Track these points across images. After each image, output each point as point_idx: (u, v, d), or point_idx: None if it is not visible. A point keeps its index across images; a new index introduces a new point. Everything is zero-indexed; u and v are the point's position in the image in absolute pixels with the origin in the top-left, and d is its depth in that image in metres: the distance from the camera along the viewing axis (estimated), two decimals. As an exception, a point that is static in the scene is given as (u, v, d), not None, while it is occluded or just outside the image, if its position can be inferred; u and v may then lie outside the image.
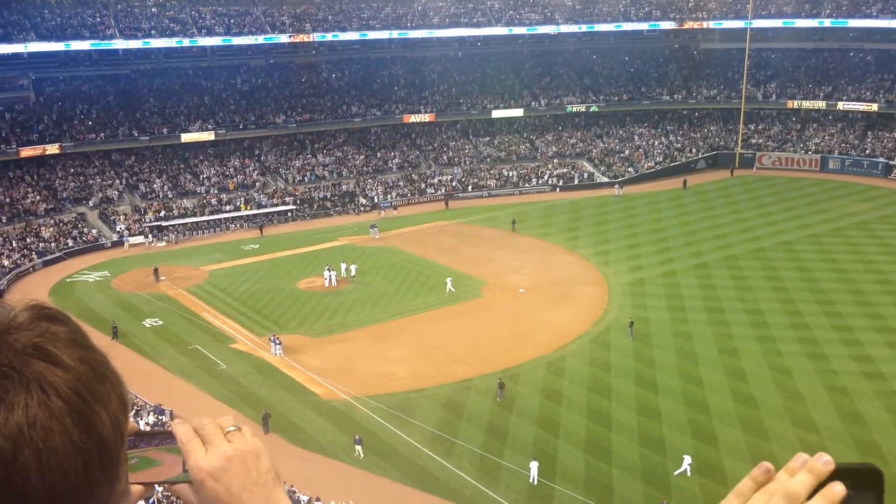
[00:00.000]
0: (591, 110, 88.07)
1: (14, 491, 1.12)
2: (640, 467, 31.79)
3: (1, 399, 1.16)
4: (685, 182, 77.47)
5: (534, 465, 30.98)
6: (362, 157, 79.76)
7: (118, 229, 64.15)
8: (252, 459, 1.48)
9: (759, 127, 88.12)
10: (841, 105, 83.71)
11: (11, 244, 58.39)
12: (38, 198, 65.16)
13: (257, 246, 62.51)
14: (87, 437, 1.19)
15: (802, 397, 36.67)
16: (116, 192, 68.78)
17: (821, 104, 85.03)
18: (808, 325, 44.70)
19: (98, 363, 1.28)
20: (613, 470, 31.64)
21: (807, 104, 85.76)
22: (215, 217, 67.96)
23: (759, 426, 34.35)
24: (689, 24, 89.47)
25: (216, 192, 70.85)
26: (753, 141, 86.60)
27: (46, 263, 58.06)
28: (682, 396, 37.13)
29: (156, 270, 54.87)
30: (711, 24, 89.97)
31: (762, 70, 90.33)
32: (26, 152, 66.13)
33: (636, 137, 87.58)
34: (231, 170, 74.22)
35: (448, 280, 51.63)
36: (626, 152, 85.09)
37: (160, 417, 33.85)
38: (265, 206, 70.19)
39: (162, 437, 1.50)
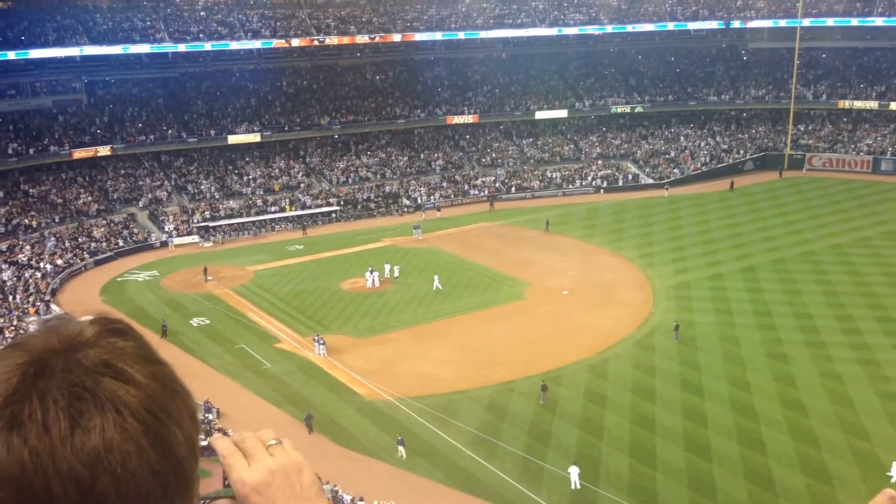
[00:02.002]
0: (635, 111, 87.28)
1: None
2: (686, 472, 31.39)
3: (76, 421, 1.11)
4: (732, 183, 76.35)
5: (573, 471, 30.64)
6: (406, 158, 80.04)
7: (167, 230, 65.24)
8: (295, 473, 1.46)
9: (809, 128, 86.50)
10: (893, 105, 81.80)
11: (64, 244, 59.70)
12: (90, 198, 66.55)
13: (301, 247, 63.08)
14: (163, 458, 1.15)
15: (853, 404, 35.88)
16: (165, 193, 69.97)
17: (873, 104, 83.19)
18: (859, 329, 43.73)
19: (168, 378, 1.25)
20: (658, 475, 31.29)
21: (858, 104, 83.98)
22: (260, 218, 68.75)
23: (808, 433, 33.69)
24: (738, 24, 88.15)
25: (261, 193, 71.67)
26: (803, 142, 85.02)
27: (98, 263, 59.26)
28: (728, 401, 36.58)
29: (205, 270, 55.69)
30: (760, 23, 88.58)
31: (812, 69, 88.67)
32: (79, 154, 67.59)
33: (682, 138, 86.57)
34: (276, 171, 75.02)
35: (435, 278, 52.09)
36: (672, 153, 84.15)
37: (207, 415, 34.32)
38: (309, 207, 70.81)
39: (203, 450, 1.50)
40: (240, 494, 1.40)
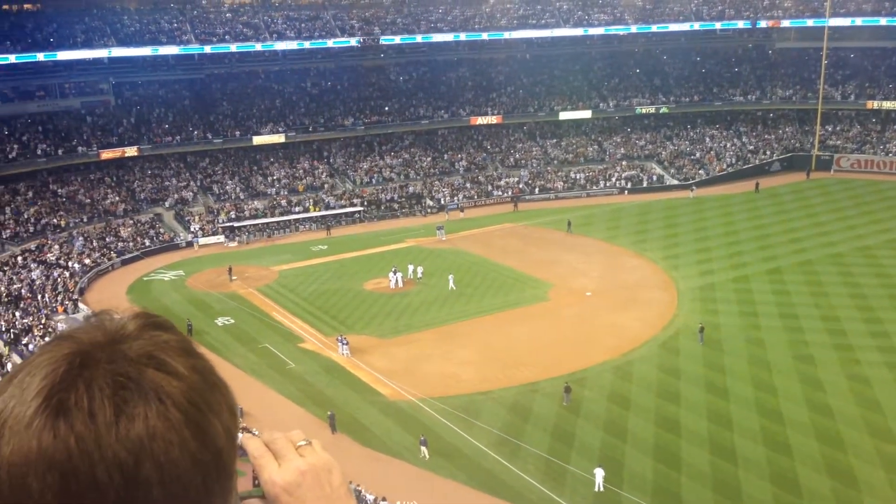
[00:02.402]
0: (660, 111, 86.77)
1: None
2: (711, 476, 31.15)
3: (121, 409, 1.15)
4: (757, 185, 75.67)
5: (599, 473, 30.53)
6: (429, 158, 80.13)
7: (192, 230, 65.80)
8: (325, 474, 1.47)
9: (837, 128, 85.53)
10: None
11: (92, 243, 60.39)
12: (117, 198, 67.27)
13: (325, 247, 63.34)
14: (203, 448, 1.18)
15: (882, 408, 35.45)
16: (191, 194, 70.56)
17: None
18: (887, 332, 43.18)
19: (208, 371, 1.28)
20: (683, 478, 31.08)
21: (887, 105, 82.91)
22: (285, 218, 69.13)
23: (835, 437, 33.33)
24: (764, 23, 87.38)
25: (286, 193, 72.07)
26: (831, 143, 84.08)
27: (124, 262, 59.88)
28: (754, 404, 36.26)
29: (230, 270, 56.10)
30: (787, 23, 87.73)
31: (840, 69, 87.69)
32: (106, 154, 68.36)
33: (707, 139, 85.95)
34: (300, 171, 75.41)
35: (450, 277, 52.49)
36: (697, 154, 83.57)
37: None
38: (333, 208, 71.10)
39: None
40: (270, 495, 1.42)
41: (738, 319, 46.08)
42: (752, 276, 53.05)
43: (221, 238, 65.52)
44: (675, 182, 79.09)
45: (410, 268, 54.55)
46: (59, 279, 53.12)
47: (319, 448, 1.53)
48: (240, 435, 1.42)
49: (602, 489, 30.27)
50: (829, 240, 60.08)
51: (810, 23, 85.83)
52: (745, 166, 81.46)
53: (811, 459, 31.78)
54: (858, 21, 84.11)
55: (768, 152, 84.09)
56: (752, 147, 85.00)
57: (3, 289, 49.50)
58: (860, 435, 33.34)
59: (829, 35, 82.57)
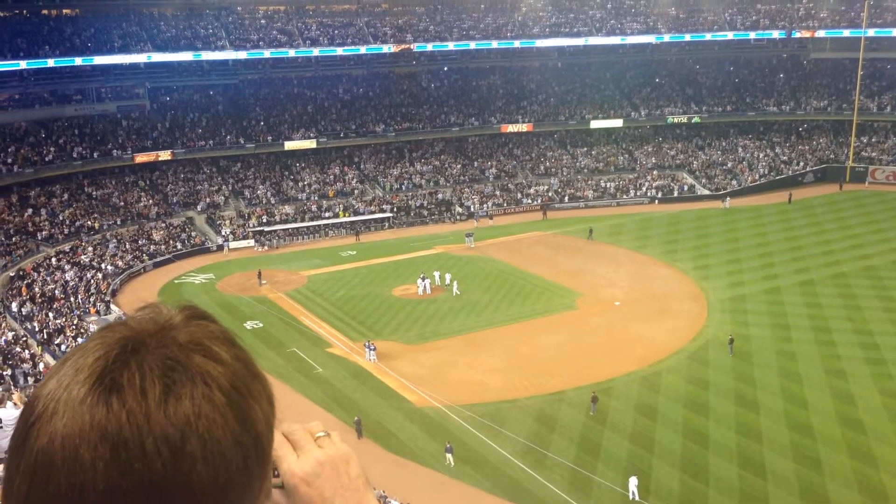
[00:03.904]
0: (692, 121, 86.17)
1: (181, 478, 1.18)
2: (739, 490, 30.81)
3: (170, 389, 1.22)
4: (790, 196, 74.84)
5: (633, 481, 30.36)
6: (459, 165, 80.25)
7: (223, 233, 66.43)
8: (343, 465, 1.51)
9: (873, 140, 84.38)
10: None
11: (125, 246, 61.19)
12: (150, 202, 68.13)
13: (354, 252, 63.62)
14: (244, 431, 1.25)
15: (915, 424, 34.84)
16: (223, 198, 71.27)
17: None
18: (922, 348, 42.45)
19: (249, 362, 1.34)
20: (711, 491, 30.77)
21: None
22: (315, 223, 69.55)
23: (867, 452, 32.81)
24: (800, 34, 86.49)
25: (316, 198, 72.53)
26: (865, 154, 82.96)
27: (157, 265, 60.58)
28: (784, 418, 35.82)
29: (259, 274, 56.54)
30: (823, 33, 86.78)
31: (876, 81, 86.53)
32: (141, 158, 69.29)
33: (740, 149, 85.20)
34: (331, 177, 75.87)
35: (454, 284, 52.76)
36: (729, 164, 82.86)
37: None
38: (363, 214, 71.41)
39: None
40: (289, 485, 1.46)
41: (769, 331, 45.56)
42: (783, 288, 52.45)
43: (251, 242, 66.07)
44: (707, 192, 78.46)
45: (437, 274, 54.58)
46: (92, 281, 53.86)
47: (338, 439, 1.56)
48: None
49: (636, 497, 30.03)
50: (862, 252, 59.25)
51: (846, 33, 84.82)
52: (778, 177, 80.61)
53: (842, 475, 31.32)
54: (895, 32, 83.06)
55: (801, 163, 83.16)
56: (785, 158, 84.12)
57: (37, 289, 50.32)
58: (892, 451, 32.80)
59: (865, 45, 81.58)
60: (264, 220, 68.74)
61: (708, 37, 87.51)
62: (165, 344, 1.27)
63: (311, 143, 76.13)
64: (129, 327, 1.30)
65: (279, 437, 1.49)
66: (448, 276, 54.37)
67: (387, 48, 79.41)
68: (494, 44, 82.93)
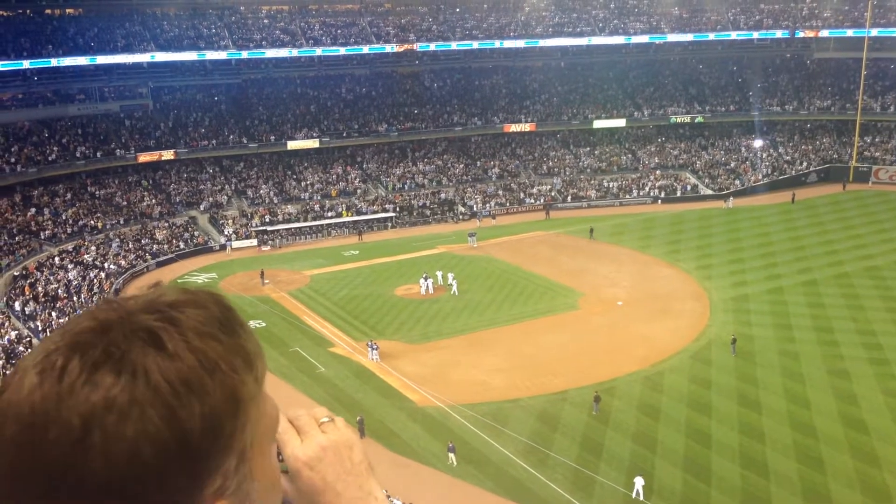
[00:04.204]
0: (696, 121, 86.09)
1: (75, 470, 1.13)
2: (741, 489, 30.79)
3: (90, 375, 1.17)
4: (793, 196, 74.77)
5: (638, 481, 30.38)
6: (462, 165, 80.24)
7: (226, 233, 66.49)
8: (346, 450, 1.53)
9: (876, 140, 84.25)
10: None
11: (128, 245, 61.27)
12: (153, 201, 68.21)
13: (357, 252, 63.66)
14: (166, 427, 1.16)
15: (918, 424, 34.80)
16: (225, 197, 71.33)
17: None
18: (925, 348, 42.39)
19: (214, 355, 1.24)
20: (713, 491, 30.75)
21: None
22: (317, 223, 69.59)
23: (869, 452, 32.78)
24: (803, 33, 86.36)
25: (319, 198, 72.57)
26: (869, 154, 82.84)
27: (159, 264, 60.66)
28: (787, 418, 35.79)
29: (262, 273, 56.58)
30: (826, 33, 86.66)
31: (880, 80, 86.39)
32: (144, 158, 69.36)
33: (743, 149, 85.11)
34: (334, 177, 75.91)
35: (454, 283, 52.71)
36: (732, 164, 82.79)
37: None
38: (365, 213, 71.44)
39: None
40: (292, 469, 1.48)
41: (772, 331, 45.52)
42: (786, 288, 52.40)
43: (254, 242, 66.12)
44: (710, 192, 78.40)
45: (439, 274, 54.59)
46: (95, 280, 53.94)
47: (342, 425, 1.57)
48: None
49: (641, 496, 30.02)
50: (866, 252, 59.17)
51: (850, 33, 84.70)
52: (782, 177, 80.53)
53: (844, 475, 31.29)
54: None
55: (805, 163, 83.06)
56: (788, 157, 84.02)
57: (40, 289, 50.40)
58: (895, 451, 32.74)
59: (869, 45, 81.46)
60: (267, 220, 68.79)
61: (711, 36, 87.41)
62: (122, 329, 1.22)
63: (313, 143, 76.17)
64: (116, 307, 1.26)
65: (284, 421, 1.50)
66: (450, 276, 54.35)
67: (390, 48, 79.44)
68: (497, 43, 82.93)
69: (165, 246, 63.09)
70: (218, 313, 1.29)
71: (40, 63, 65.96)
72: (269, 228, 67.48)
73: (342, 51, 78.91)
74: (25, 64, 65.16)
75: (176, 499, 1.18)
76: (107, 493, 1.14)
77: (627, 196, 77.78)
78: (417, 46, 80.00)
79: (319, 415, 1.57)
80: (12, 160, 62.96)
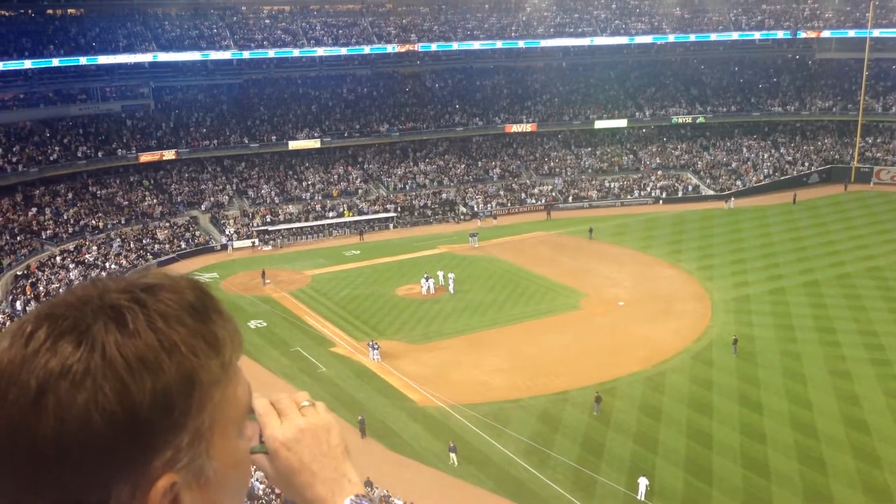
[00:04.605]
0: (697, 121, 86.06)
1: (28, 432, 1.20)
2: (743, 490, 30.76)
3: (53, 344, 1.24)
4: (795, 196, 74.73)
5: (642, 482, 30.34)
6: (463, 165, 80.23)
7: (227, 233, 66.50)
8: (323, 433, 1.61)
9: (878, 140, 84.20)
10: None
11: (129, 245, 61.27)
12: (154, 201, 68.21)
13: (358, 252, 63.65)
14: (116, 399, 1.21)
15: (920, 425, 34.74)
16: (227, 197, 71.33)
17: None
18: (927, 349, 42.33)
19: (176, 338, 1.29)
20: (714, 491, 30.72)
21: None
22: (319, 223, 69.59)
23: (871, 453, 32.74)
24: (805, 34, 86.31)
25: (320, 198, 72.57)
26: (870, 155, 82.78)
27: (161, 264, 60.59)
28: (788, 419, 35.76)
29: (263, 273, 56.58)
30: (828, 34, 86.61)
31: (882, 81, 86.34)
32: (145, 157, 69.37)
33: (744, 149, 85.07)
34: (335, 177, 75.90)
35: (450, 282, 52.75)
36: (734, 165, 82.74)
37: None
38: (366, 213, 71.43)
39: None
40: (271, 449, 1.57)
41: (774, 332, 45.48)
42: (788, 289, 52.36)
43: (256, 241, 66.13)
44: (711, 192, 78.36)
45: (440, 274, 54.56)
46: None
47: (322, 409, 1.65)
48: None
49: (643, 498, 29.98)
50: (867, 253, 59.12)
51: (852, 33, 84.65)
52: (783, 177, 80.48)
53: (846, 476, 31.25)
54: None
55: (806, 164, 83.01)
56: (790, 158, 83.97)
57: (41, 288, 50.40)
58: (897, 452, 32.73)
59: (870, 46, 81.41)
60: (268, 220, 68.79)
61: (713, 37, 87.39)
62: (91, 306, 1.28)
63: (315, 143, 76.17)
64: (99, 285, 1.32)
65: (266, 404, 1.61)
66: (451, 276, 54.29)
67: (391, 48, 79.45)
68: (499, 44, 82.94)
69: (167, 246, 63.09)
70: (192, 299, 1.35)
71: (42, 63, 65.97)
72: (271, 228, 67.47)
73: (343, 51, 78.92)
74: (27, 64, 65.17)
75: (124, 467, 1.23)
76: (58, 457, 1.19)
77: (629, 196, 77.74)
78: (419, 47, 80.00)
79: (300, 399, 1.65)
80: (14, 160, 62.97)
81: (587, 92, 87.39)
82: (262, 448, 1.58)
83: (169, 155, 70.60)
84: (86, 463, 1.20)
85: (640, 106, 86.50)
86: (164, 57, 71.11)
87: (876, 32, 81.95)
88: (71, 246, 58.19)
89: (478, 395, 38.62)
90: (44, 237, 58.36)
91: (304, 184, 74.31)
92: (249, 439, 1.50)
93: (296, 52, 77.19)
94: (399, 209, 72.64)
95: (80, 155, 67.01)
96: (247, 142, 74.51)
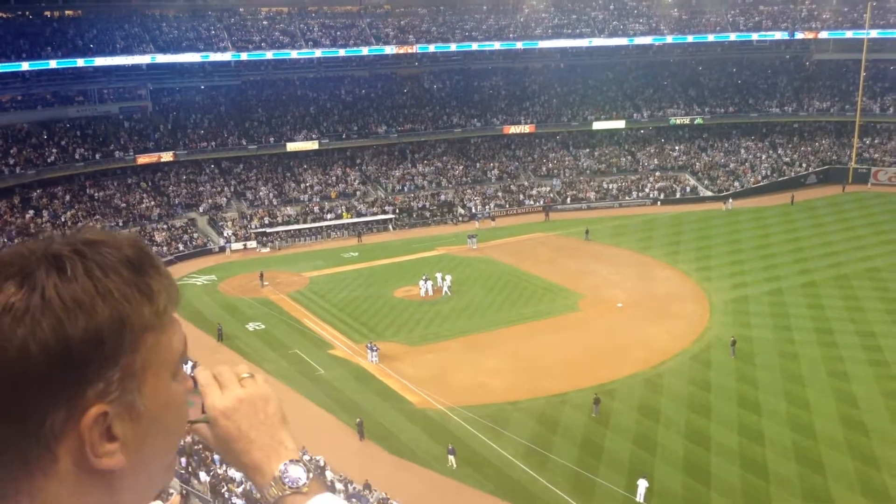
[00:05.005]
0: (695, 122, 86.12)
1: None
2: (741, 491, 30.76)
3: (3, 281, 1.38)
4: (793, 197, 74.80)
5: (642, 483, 30.28)
6: (461, 167, 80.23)
7: (225, 235, 66.44)
8: (261, 403, 1.72)
9: (876, 141, 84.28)
10: (966, 118, 79.26)
11: (126, 247, 61.11)
12: (152, 203, 68.16)
13: (356, 254, 63.62)
14: (52, 334, 1.35)
15: (918, 426, 34.76)
16: (225, 199, 71.28)
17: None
18: (925, 350, 42.36)
19: (111, 285, 1.41)
20: (712, 493, 30.71)
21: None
22: (317, 225, 69.55)
23: (869, 454, 32.75)
24: (803, 35, 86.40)
25: (318, 200, 72.53)
26: (868, 156, 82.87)
27: (158, 266, 60.50)
28: (786, 419, 35.76)
29: (261, 275, 56.53)
30: (826, 34, 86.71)
31: (879, 82, 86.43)
32: (143, 159, 69.31)
33: (742, 151, 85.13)
34: (333, 178, 75.87)
35: (445, 284, 52.95)
36: (732, 166, 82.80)
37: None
38: (365, 215, 71.41)
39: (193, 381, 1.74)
40: (211, 418, 1.69)
41: (772, 333, 45.50)
42: (786, 290, 52.39)
43: (253, 243, 66.08)
44: (709, 193, 78.41)
45: (439, 276, 54.53)
46: (94, 281, 53.79)
47: (261, 381, 1.76)
48: (191, 369, 1.67)
49: (642, 500, 29.95)
50: (865, 254, 59.17)
51: (849, 34, 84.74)
52: (781, 178, 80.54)
53: (844, 477, 31.25)
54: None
55: (804, 165, 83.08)
56: (787, 159, 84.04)
57: (40, 290, 50.30)
58: (895, 453, 32.71)
59: (868, 47, 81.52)
60: (266, 222, 68.76)
61: (710, 38, 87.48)
62: (37, 255, 1.42)
63: (313, 145, 76.15)
64: (29, 242, 1.47)
65: (208, 375, 1.74)
66: (448, 278, 54.22)
67: (389, 49, 79.46)
68: (497, 45, 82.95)
69: (165, 248, 63.03)
70: (130, 253, 1.48)
71: (39, 65, 65.85)
72: (269, 230, 67.44)
73: (341, 52, 78.88)
74: (24, 66, 65.07)
75: (59, 394, 1.36)
76: (1, 385, 1.33)
77: (627, 197, 77.78)
78: (417, 48, 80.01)
79: (241, 371, 1.77)
80: (11, 162, 62.92)
81: (585, 93, 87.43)
82: (205, 418, 1.69)
83: (167, 157, 70.54)
84: (24, 388, 1.34)
85: (638, 107, 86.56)
86: (161, 59, 71.04)
87: (873, 33, 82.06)
88: (69, 248, 58.01)
89: (476, 397, 38.59)
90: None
91: (303, 185, 74.27)
92: (187, 387, 1.58)
93: (294, 54, 77.16)
94: (397, 211, 72.63)
95: (77, 157, 66.96)
96: (245, 143, 74.47)
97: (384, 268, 59.46)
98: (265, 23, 78.63)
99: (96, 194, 66.90)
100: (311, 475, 1.70)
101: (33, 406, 1.36)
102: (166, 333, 1.49)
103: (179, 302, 1.53)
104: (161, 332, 1.48)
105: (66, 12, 72.79)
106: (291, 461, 1.69)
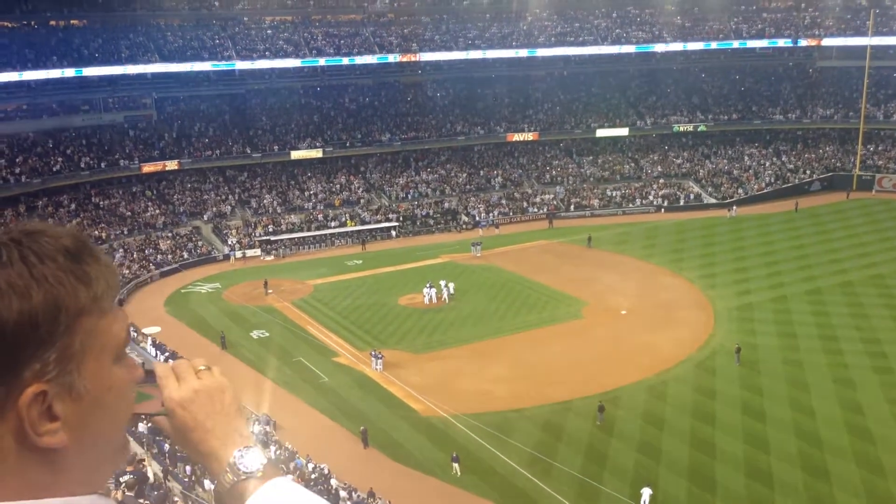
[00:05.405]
0: (698, 129, 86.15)
1: None
2: (746, 499, 30.67)
3: None
4: (797, 204, 74.75)
5: (646, 492, 30.21)
6: (465, 175, 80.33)
7: (230, 243, 66.57)
8: (217, 393, 1.78)
9: (880, 148, 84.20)
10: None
11: (132, 255, 61.37)
12: (157, 211, 68.33)
13: (360, 262, 63.68)
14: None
15: (923, 434, 34.65)
16: (229, 207, 71.44)
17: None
18: (930, 357, 42.24)
19: (46, 271, 1.49)
20: (718, 501, 30.64)
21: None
22: (321, 232, 69.66)
23: (875, 462, 32.64)
24: (806, 42, 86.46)
25: (322, 207, 72.66)
26: (872, 162, 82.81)
27: (163, 274, 60.73)
28: (792, 427, 35.67)
29: (266, 283, 56.61)
30: (829, 42, 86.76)
31: (883, 89, 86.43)
32: (148, 168, 69.53)
33: (746, 158, 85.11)
34: (337, 186, 76.01)
35: (450, 286, 53.38)
36: (735, 173, 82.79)
37: (266, 427, 34.80)
38: (369, 223, 71.50)
39: (152, 375, 1.84)
40: (168, 409, 1.75)
41: (776, 340, 45.42)
42: (790, 297, 52.31)
43: (258, 251, 66.19)
44: (713, 200, 78.38)
45: (443, 283, 54.54)
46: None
47: (217, 373, 1.82)
48: (153, 359, 1.70)
49: (645, 508, 29.94)
50: (870, 261, 59.06)
51: (852, 41, 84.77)
52: (785, 185, 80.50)
53: (850, 485, 31.15)
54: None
55: (808, 172, 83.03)
56: (791, 166, 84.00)
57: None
58: (901, 461, 32.63)
59: (871, 54, 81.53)
60: (270, 230, 68.88)
61: (713, 45, 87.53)
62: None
63: (317, 153, 76.33)
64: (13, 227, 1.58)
65: (166, 368, 1.80)
66: (451, 285, 54.19)
67: (392, 58, 79.66)
68: (500, 53, 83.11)
69: (169, 256, 63.18)
70: (68, 243, 1.54)
71: (45, 74, 66.16)
72: (273, 238, 67.56)
73: (345, 61, 79.12)
74: (30, 75, 65.38)
75: None
76: None
77: (630, 205, 77.79)
78: (420, 56, 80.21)
79: (198, 364, 1.82)
80: (17, 171, 63.16)
81: (588, 100, 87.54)
82: (164, 411, 1.74)
83: (171, 165, 70.77)
84: None
85: (641, 114, 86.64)
86: (166, 68, 71.36)
87: (876, 40, 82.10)
88: (74, 256, 58.14)
89: (480, 404, 38.56)
90: (47, 248, 58.30)
91: (307, 193, 74.41)
92: (136, 375, 1.63)
93: (297, 63, 77.42)
94: (401, 218, 72.71)
95: (83, 166, 67.19)
96: (249, 152, 74.67)
97: (388, 275, 59.51)
98: (269, 32, 78.91)
99: (101, 203, 67.10)
100: (265, 461, 1.74)
101: None
102: (105, 319, 1.55)
103: (119, 289, 1.65)
104: (100, 317, 1.54)
105: (72, 22, 73.09)
106: (246, 447, 1.74)
